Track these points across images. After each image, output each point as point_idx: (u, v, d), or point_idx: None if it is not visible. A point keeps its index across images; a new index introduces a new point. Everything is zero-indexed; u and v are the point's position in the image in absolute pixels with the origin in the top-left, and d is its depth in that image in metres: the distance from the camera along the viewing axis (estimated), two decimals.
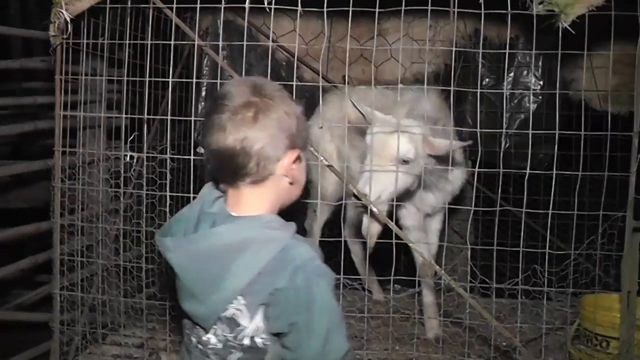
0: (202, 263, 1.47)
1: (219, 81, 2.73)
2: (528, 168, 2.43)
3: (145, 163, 2.86)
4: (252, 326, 1.46)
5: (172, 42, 2.70)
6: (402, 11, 2.45)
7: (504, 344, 3.05)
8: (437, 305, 3.25)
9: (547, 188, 2.54)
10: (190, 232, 1.53)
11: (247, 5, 2.48)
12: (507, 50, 2.56)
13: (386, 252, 2.59)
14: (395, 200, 2.69)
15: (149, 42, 2.71)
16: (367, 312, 2.81)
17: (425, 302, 3.25)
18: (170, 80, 2.65)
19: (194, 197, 1.67)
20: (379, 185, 2.63)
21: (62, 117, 2.89)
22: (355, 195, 2.60)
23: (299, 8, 2.34)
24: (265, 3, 2.45)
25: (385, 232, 2.67)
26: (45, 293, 3.59)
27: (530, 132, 2.57)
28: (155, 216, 2.87)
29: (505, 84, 4.06)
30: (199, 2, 2.52)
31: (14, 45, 6.24)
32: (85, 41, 2.84)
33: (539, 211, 2.60)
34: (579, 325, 3.06)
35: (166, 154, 2.72)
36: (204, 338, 1.53)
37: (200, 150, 2.30)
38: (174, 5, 2.59)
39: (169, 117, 2.68)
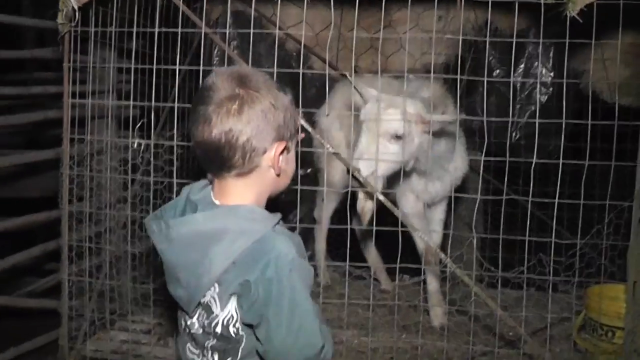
0: (181, 248, 1.47)
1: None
2: (535, 157, 2.42)
3: (152, 150, 2.87)
4: (224, 315, 1.46)
5: (180, 30, 2.70)
6: (409, 1, 2.45)
7: (510, 333, 3.05)
8: (443, 293, 3.26)
9: (557, 181, 2.54)
10: (177, 217, 1.53)
11: None
12: (515, 39, 2.54)
13: (393, 240, 2.59)
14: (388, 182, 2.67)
15: (157, 29, 2.73)
16: (373, 300, 2.82)
17: (429, 289, 3.26)
18: (177, 67, 2.66)
19: None
20: (373, 161, 2.63)
21: (70, 106, 2.92)
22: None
23: None
24: None
25: (390, 220, 2.67)
26: (55, 281, 3.62)
27: (537, 120, 2.56)
28: (164, 203, 2.88)
29: (514, 75, 4.04)
30: None
31: (27, 36, 6.28)
32: (93, 29, 2.86)
33: (545, 200, 2.58)
34: (585, 315, 3.06)
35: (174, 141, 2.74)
36: (189, 322, 1.54)
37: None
38: None
39: (176, 105, 2.70)
